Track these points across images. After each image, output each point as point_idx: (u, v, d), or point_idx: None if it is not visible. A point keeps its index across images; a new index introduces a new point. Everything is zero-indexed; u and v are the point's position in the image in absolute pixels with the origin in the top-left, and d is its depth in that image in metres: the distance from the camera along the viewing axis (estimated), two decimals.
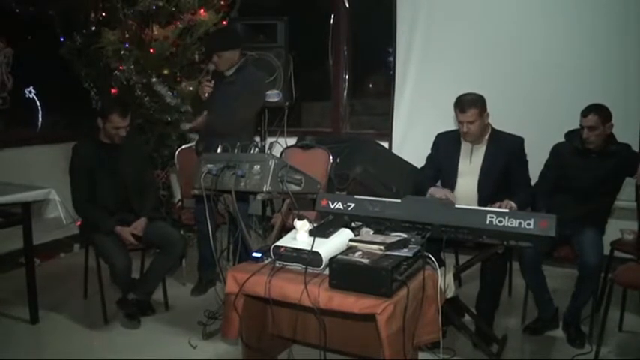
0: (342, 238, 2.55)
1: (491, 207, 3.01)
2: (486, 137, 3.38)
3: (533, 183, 3.47)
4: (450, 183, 3.43)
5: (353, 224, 2.71)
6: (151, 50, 4.55)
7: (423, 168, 3.64)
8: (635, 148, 3.55)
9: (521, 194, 3.23)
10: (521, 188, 3.30)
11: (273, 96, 4.92)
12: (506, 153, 3.34)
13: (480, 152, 3.39)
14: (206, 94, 3.80)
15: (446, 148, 3.50)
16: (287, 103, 5.20)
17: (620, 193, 3.51)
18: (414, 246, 2.48)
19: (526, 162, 3.39)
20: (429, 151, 3.61)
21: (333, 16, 5.49)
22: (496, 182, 3.32)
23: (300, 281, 2.37)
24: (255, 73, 4.02)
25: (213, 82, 3.81)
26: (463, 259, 3.65)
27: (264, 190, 2.67)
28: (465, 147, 3.43)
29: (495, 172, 3.33)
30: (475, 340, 3.11)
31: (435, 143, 3.58)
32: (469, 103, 3.26)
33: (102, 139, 3.59)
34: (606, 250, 3.48)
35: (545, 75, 4.40)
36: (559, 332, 3.41)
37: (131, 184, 3.63)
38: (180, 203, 4.74)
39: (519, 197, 3.16)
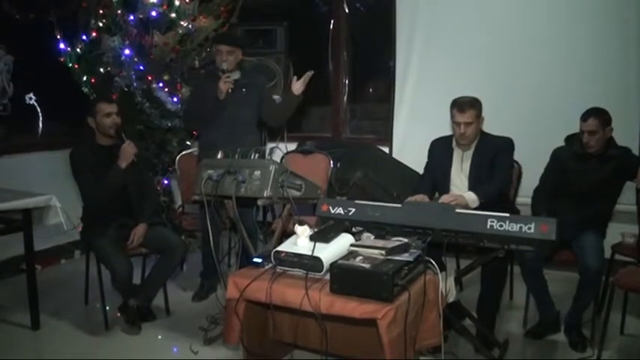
0: (342, 243, 2.56)
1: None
2: (475, 142, 3.40)
3: (533, 187, 3.47)
4: (445, 189, 3.45)
5: (354, 229, 2.72)
6: (151, 56, 4.56)
7: (421, 177, 3.65)
8: (635, 152, 3.56)
9: (486, 185, 3.25)
10: (490, 180, 3.30)
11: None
12: (492, 153, 3.35)
13: (469, 157, 3.40)
14: (229, 91, 3.70)
15: (439, 154, 3.53)
16: None
17: (621, 196, 3.50)
18: (415, 251, 2.48)
19: (509, 160, 3.39)
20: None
21: (332, 21, 5.50)
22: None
23: (301, 286, 2.37)
24: (262, 78, 4.11)
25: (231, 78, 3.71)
26: (464, 263, 3.65)
27: (265, 195, 2.68)
28: (456, 153, 3.45)
29: (483, 174, 3.34)
30: (476, 344, 3.11)
31: (430, 151, 3.60)
32: (468, 104, 3.28)
33: (98, 142, 3.59)
34: (607, 254, 3.48)
35: (546, 79, 4.41)
36: (561, 336, 3.41)
37: (131, 188, 3.63)
38: (181, 209, 4.74)
39: (482, 188, 3.20)
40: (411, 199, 3.26)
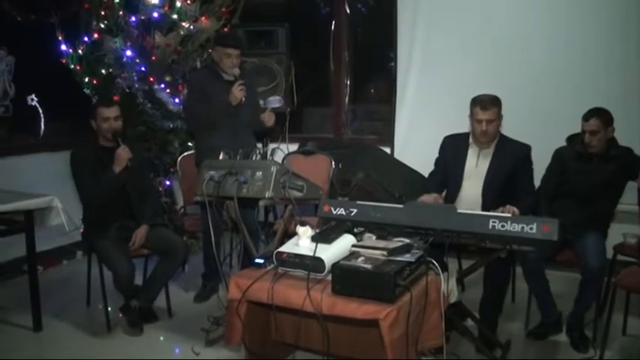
0: (344, 243, 2.55)
1: (493, 212, 3.02)
2: (494, 142, 3.39)
3: (536, 187, 3.47)
4: (456, 185, 3.44)
5: (355, 230, 2.71)
6: (153, 57, 4.57)
7: (431, 173, 3.64)
8: (637, 152, 3.55)
9: (525, 201, 3.23)
10: (525, 195, 3.30)
11: (275, 102, 4.92)
12: (512, 159, 3.34)
13: (487, 156, 3.39)
14: (243, 99, 3.73)
15: (453, 150, 3.50)
16: (289, 109, 5.21)
17: (623, 196, 3.51)
18: (417, 251, 2.48)
19: (531, 170, 3.39)
20: (431, 156, 3.62)
21: (333, 22, 5.50)
22: (501, 188, 3.32)
23: (302, 287, 2.37)
24: (256, 79, 4.12)
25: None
26: (466, 263, 3.65)
27: (267, 196, 2.68)
28: (472, 150, 3.44)
29: (501, 177, 3.33)
30: (478, 345, 3.11)
31: (442, 146, 3.59)
32: (491, 102, 3.28)
33: (100, 143, 3.60)
34: (609, 254, 3.47)
35: (548, 79, 4.41)
36: (563, 337, 3.40)
37: (131, 190, 3.63)
38: (182, 210, 4.74)
39: (523, 203, 3.16)
40: (423, 198, 3.26)
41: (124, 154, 3.49)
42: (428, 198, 3.27)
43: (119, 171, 3.49)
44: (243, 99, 3.74)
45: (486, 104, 3.27)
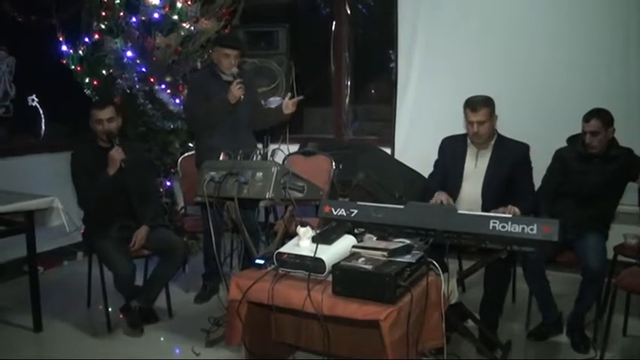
0: (345, 244, 2.56)
1: (495, 212, 3.02)
2: (492, 142, 3.39)
3: (536, 188, 3.47)
4: (455, 186, 3.43)
5: (356, 230, 2.71)
6: (154, 58, 4.57)
7: (431, 174, 3.64)
8: (638, 152, 3.55)
9: (525, 201, 3.23)
10: (525, 195, 3.30)
11: (276, 103, 4.93)
12: (511, 159, 3.34)
13: (486, 156, 3.39)
14: (242, 97, 3.75)
15: (452, 151, 3.51)
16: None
17: (623, 197, 3.51)
18: (417, 252, 2.48)
19: (531, 170, 3.38)
20: (431, 157, 3.61)
21: (334, 22, 5.50)
22: (500, 188, 3.32)
23: (303, 288, 2.37)
24: (255, 79, 4.13)
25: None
26: (467, 264, 3.65)
27: (267, 196, 2.68)
28: (470, 151, 3.44)
29: (500, 177, 3.34)
30: (479, 345, 3.10)
31: (441, 147, 3.58)
32: (481, 103, 3.28)
33: (100, 144, 3.60)
34: (609, 255, 3.47)
35: (548, 80, 4.40)
36: (563, 337, 3.40)
37: (132, 190, 3.63)
38: (183, 210, 4.74)
39: (523, 204, 3.16)
40: (436, 199, 3.27)
41: (116, 155, 3.49)
42: (439, 199, 3.28)
43: (113, 173, 3.49)
44: (242, 97, 3.74)
45: (476, 106, 3.28)
